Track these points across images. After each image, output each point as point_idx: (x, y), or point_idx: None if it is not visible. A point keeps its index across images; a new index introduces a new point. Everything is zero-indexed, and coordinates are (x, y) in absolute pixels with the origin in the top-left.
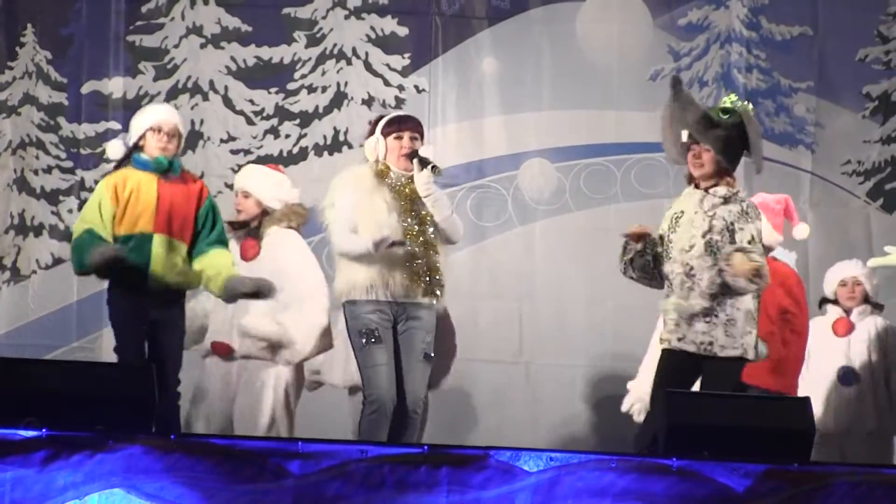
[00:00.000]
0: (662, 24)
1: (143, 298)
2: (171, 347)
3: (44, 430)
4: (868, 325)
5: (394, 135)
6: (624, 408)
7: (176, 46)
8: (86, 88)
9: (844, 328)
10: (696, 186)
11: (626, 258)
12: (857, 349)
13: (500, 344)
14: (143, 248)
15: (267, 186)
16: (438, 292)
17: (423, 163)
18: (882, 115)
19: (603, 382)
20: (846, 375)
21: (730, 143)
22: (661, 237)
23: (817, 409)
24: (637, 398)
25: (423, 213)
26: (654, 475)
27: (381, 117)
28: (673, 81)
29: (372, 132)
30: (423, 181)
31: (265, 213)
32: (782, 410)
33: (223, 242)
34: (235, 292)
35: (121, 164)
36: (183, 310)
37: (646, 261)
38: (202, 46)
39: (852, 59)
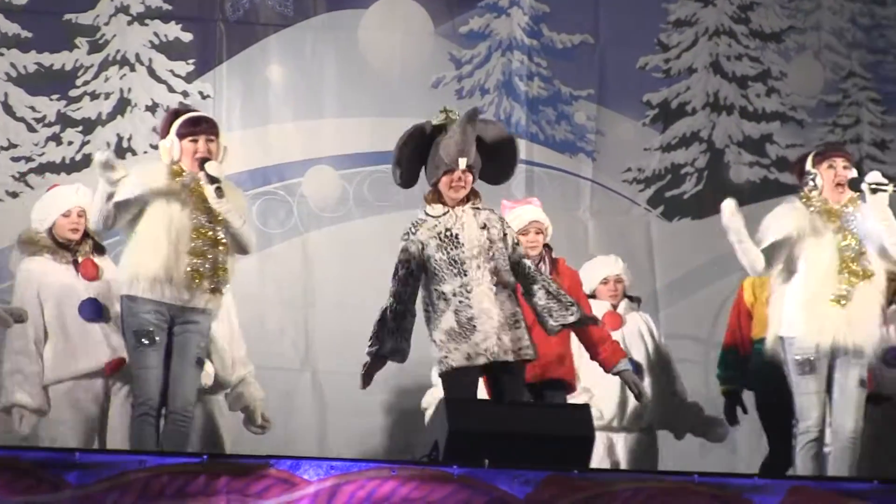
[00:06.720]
0: (444, 32)
1: None
2: None
3: None
4: (635, 320)
5: (189, 138)
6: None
7: None
8: None
9: (615, 322)
10: (443, 204)
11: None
12: (633, 343)
13: (286, 350)
14: None
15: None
16: (222, 290)
17: (211, 180)
18: (662, 123)
19: (391, 390)
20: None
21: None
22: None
23: (610, 406)
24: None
25: (216, 213)
26: (436, 483)
27: (175, 112)
28: (473, 113)
29: (166, 129)
30: (210, 195)
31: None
32: (562, 417)
33: None
34: None
35: None
36: None
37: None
38: None
39: (633, 68)
